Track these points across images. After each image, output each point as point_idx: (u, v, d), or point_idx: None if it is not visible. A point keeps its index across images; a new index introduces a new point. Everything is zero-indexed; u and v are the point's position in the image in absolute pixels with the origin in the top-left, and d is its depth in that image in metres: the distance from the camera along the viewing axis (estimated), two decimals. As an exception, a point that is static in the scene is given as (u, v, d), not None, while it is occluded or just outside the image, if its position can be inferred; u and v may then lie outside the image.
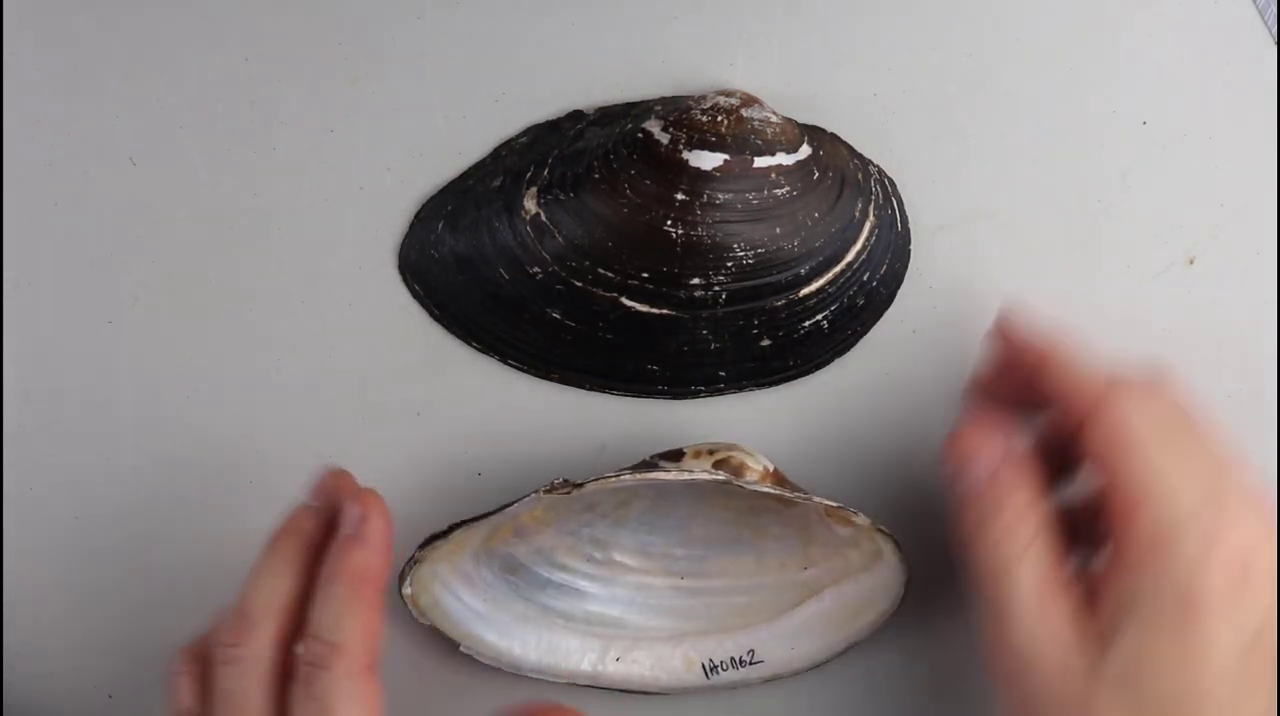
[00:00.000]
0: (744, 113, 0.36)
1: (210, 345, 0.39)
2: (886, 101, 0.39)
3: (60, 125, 0.39)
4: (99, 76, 0.39)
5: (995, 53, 0.39)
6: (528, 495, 0.34)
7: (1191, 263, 0.40)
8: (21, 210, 0.39)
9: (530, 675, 0.38)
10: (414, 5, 0.39)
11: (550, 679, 0.38)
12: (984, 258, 0.39)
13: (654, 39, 0.39)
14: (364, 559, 0.32)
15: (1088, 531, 0.32)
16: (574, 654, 0.38)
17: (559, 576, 0.39)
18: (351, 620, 0.31)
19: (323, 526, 0.33)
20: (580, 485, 0.34)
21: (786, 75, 0.39)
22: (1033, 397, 0.33)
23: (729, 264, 0.36)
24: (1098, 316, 0.39)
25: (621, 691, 0.38)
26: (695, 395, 0.39)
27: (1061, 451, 0.33)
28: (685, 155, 0.35)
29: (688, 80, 0.39)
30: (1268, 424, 0.40)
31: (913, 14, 0.39)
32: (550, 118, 0.39)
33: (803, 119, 0.39)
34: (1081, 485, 0.33)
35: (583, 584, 0.39)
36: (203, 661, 0.32)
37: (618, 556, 0.39)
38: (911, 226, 0.39)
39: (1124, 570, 0.29)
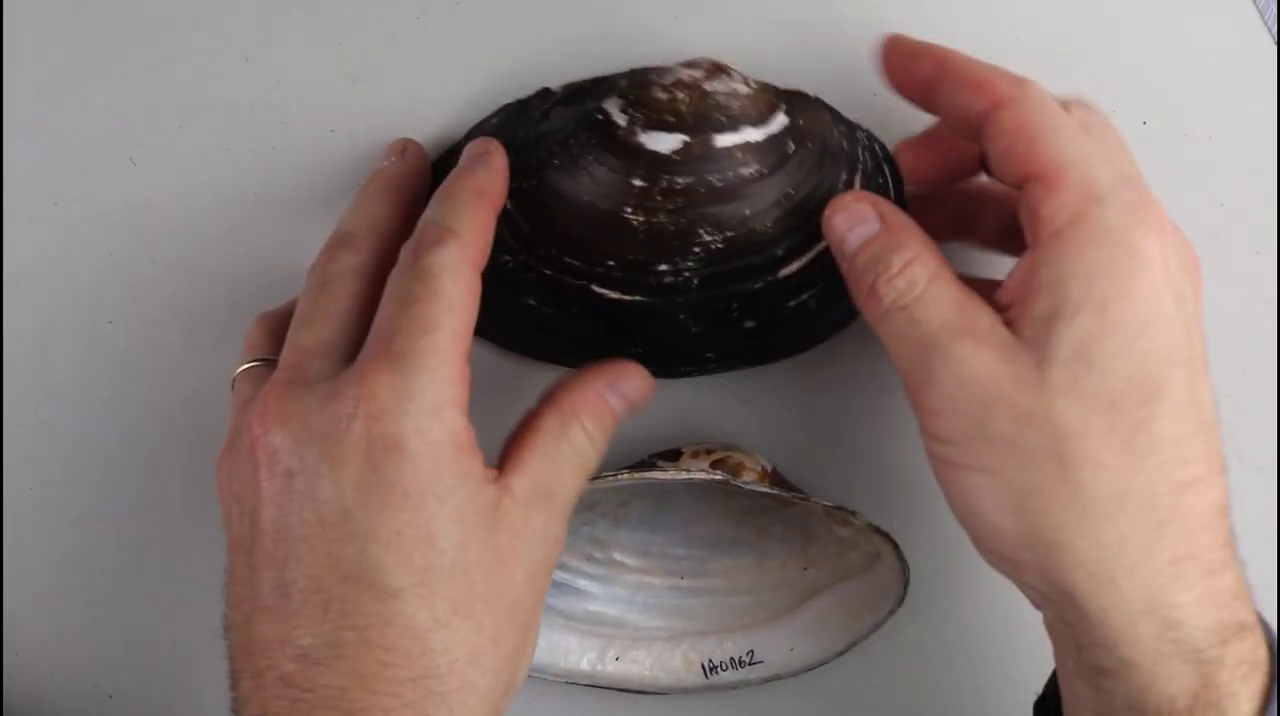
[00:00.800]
0: (707, 86, 0.33)
1: (211, 345, 0.39)
2: (886, 101, 0.39)
3: (60, 125, 0.39)
4: (99, 76, 0.39)
5: (995, 52, 0.39)
6: None
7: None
8: (21, 210, 0.39)
9: (530, 674, 0.37)
10: (414, 5, 0.39)
11: (549, 677, 0.38)
12: (982, 259, 0.38)
13: (653, 39, 0.39)
14: (487, 177, 0.31)
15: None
16: (573, 653, 0.38)
17: (558, 575, 0.39)
18: (469, 218, 0.29)
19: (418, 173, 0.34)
20: None
21: (785, 74, 0.38)
22: (930, 106, 0.32)
23: (696, 249, 0.34)
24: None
25: (620, 691, 0.38)
26: (686, 374, 0.37)
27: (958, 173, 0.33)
28: (641, 138, 0.33)
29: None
30: (1268, 424, 0.40)
31: (913, 14, 0.39)
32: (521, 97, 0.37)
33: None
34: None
35: (582, 583, 0.39)
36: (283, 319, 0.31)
37: (617, 556, 0.39)
38: (907, 196, 0.36)
39: (1049, 254, 0.27)
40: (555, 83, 0.38)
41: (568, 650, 0.38)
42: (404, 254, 0.29)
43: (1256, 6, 0.40)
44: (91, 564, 0.39)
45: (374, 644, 0.26)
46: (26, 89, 0.39)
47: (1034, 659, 0.33)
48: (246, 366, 0.32)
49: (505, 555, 0.27)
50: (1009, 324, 0.27)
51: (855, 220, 0.30)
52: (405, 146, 0.36)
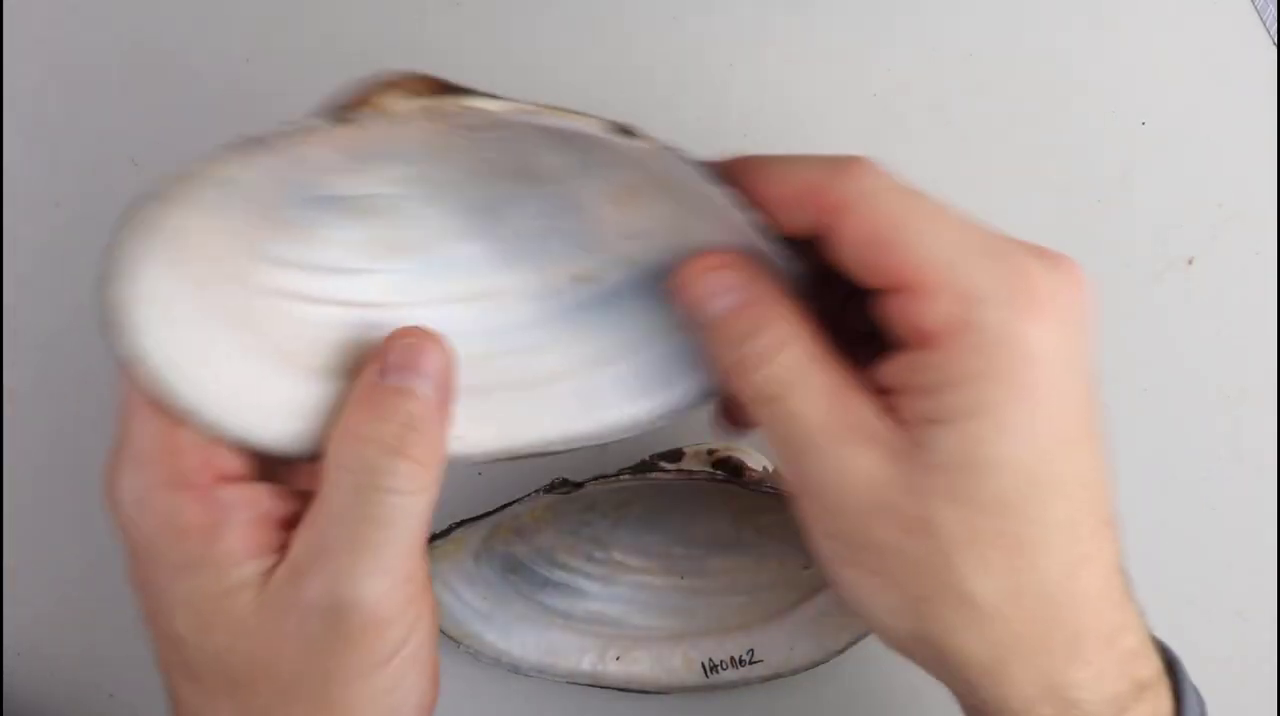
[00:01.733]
0: None
1: None
2: (886, 101, 0.40)
3: (60, 125, 0.39)
4: (99, 76, 0.39)
5: (995, 53, 0.40)
6: (527, 495, 0.35)
7: (1191, 263, 0.40)
8: (21, 210, 0.39)
9: (530, 674, 0.38)
10: (414, 6, 0.39)
11: (550, 677, 0.38)
12: None
13: (654, 39, 0.39)
14: None
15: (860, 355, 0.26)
16: (574, 653, 0.38)
17: (559, 575, 0.39)
18: None
19: None
20: (580, 484, 0.34)
21: (785, 74, 0.39)
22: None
23: None
24: (1096, 317, 0.38)
25: (621, 691, 0.38)
26: None
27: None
28: None
29: (687, 80, 0.39)
30: (1268, 424, 0.40)
31: (912, 14, 0.39)
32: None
33: (799, 122, 0.39)
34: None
35: (583, 583, 0.39)
36: None
37: (618, 555, 0.39)
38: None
39: (925, 358, 0.24)
40: (553, 81, 0.39)
41: (568, 650, 0.38)
42: None
43: (1255, 6, 0.40)
44: (91, 564, 0.39)
45: (175, 699, 0.27)
46: (27, 89, 0.39)
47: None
48: None
49: (272, 637, 0.24)
50: (890, 409, 0.25)
51: (711, 290, 0.26)
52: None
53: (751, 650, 0.38)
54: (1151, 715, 0.26)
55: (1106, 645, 0.26)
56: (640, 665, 0.38)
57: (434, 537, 0.35)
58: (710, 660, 0.38)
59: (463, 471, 0.38)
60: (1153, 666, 0.27)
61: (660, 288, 0.28)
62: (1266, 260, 0.40)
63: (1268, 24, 0.40)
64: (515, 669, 0.38)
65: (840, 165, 0.25)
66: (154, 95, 0.39)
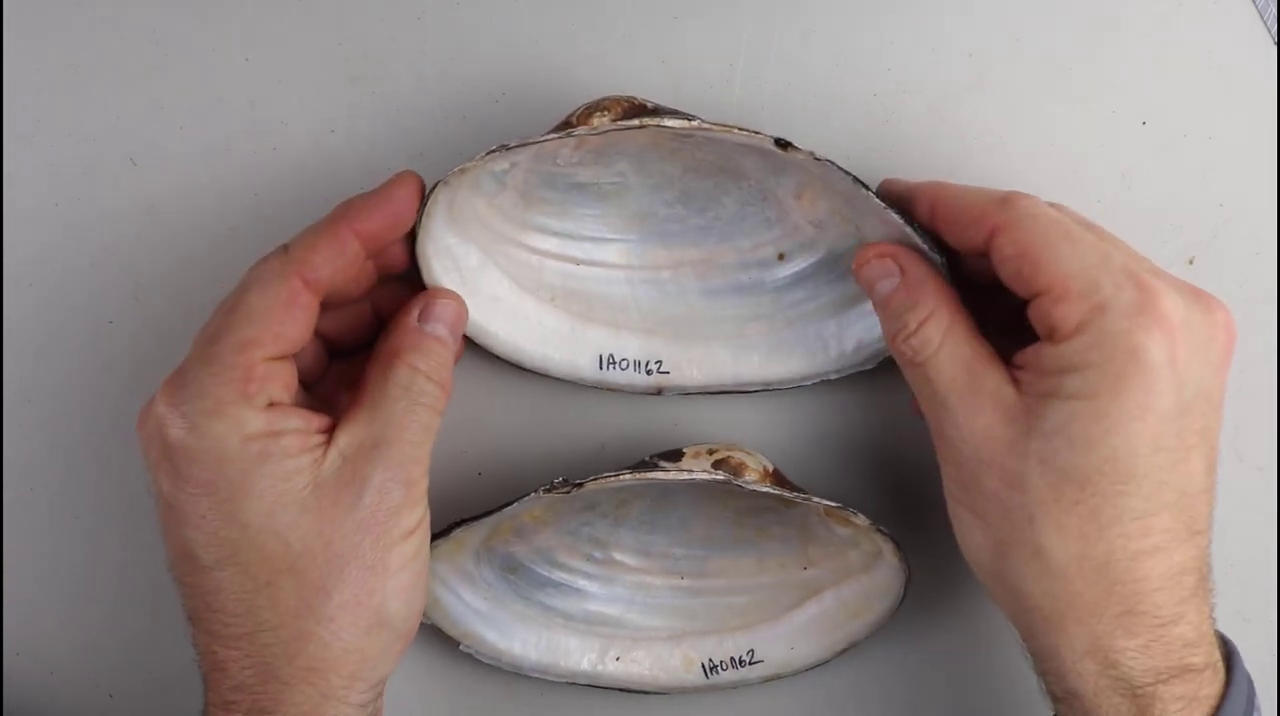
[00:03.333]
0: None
1: None
2: (886, 101, 0.39)
3: (60, 125, 0.39)
4: (99, 76, 0.39)
5: (995, 53, 0.40)
6: (527, 495, 0.35)
7: (1191, 263, 0.40)
8: (21, 210, 0.39)
9: (530, 674, 0.38)
10: (414, 6, 0.39)
11: (550, 677, 0.38)
12: None
13: (654, 39, 0.39)
14: (360, 202, 0.33)
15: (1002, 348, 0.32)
16: (573, 653, 0.38)
17: (559, 575, 0.39)
18: (309, 237, 0.32)
19: None
20: (580, 484, 0.34)
21: (785, 74, 0.39)
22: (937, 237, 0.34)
23: None
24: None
25: (621, 691, 0.38)
26: None
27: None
28: None
29: (687, 79, 0.39)
30: (1268, 424, 0.40)
31: (913, 14, 0.39)
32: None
33: (800, 122, 0.39)
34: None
35: (582, 583, 0.39)
36: None
37: (618, 556, 0.39)
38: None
39: (1053, 348, 0.29)
40: (552, 81, 0.39)
41: (568, 650, 0.38)
42: None
43: (1256, 6, 0.40)
44: (91, 564, 0.39)
45: (213, 607, 0.30)
46: (27, 89, 0.39)
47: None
48: None
49: (327, 510, 0.30)
50: (1015, 382, 0.30)
51: (879, 274, 0.33)
52: (396, 182, 0.34)
53: (751, 650, 0.38)
54: (1192, 693, 0.30)
55: (1158, 626, 0.29)
56: (640, 665, 0.38)
57: (434, 537, 0.35)
58: (710, 660, 0.38)
59: (463, 471, 0.39)
60: (1206, 657, 0.30)
61: (839, 268, 0.38)
62: (1267, 260, 0.40)
63: (1268, 24, 0.40)
64: (515, 669, 0.38)
65: (1004, 195, 0.32)
66: (154, 95, 0.39)
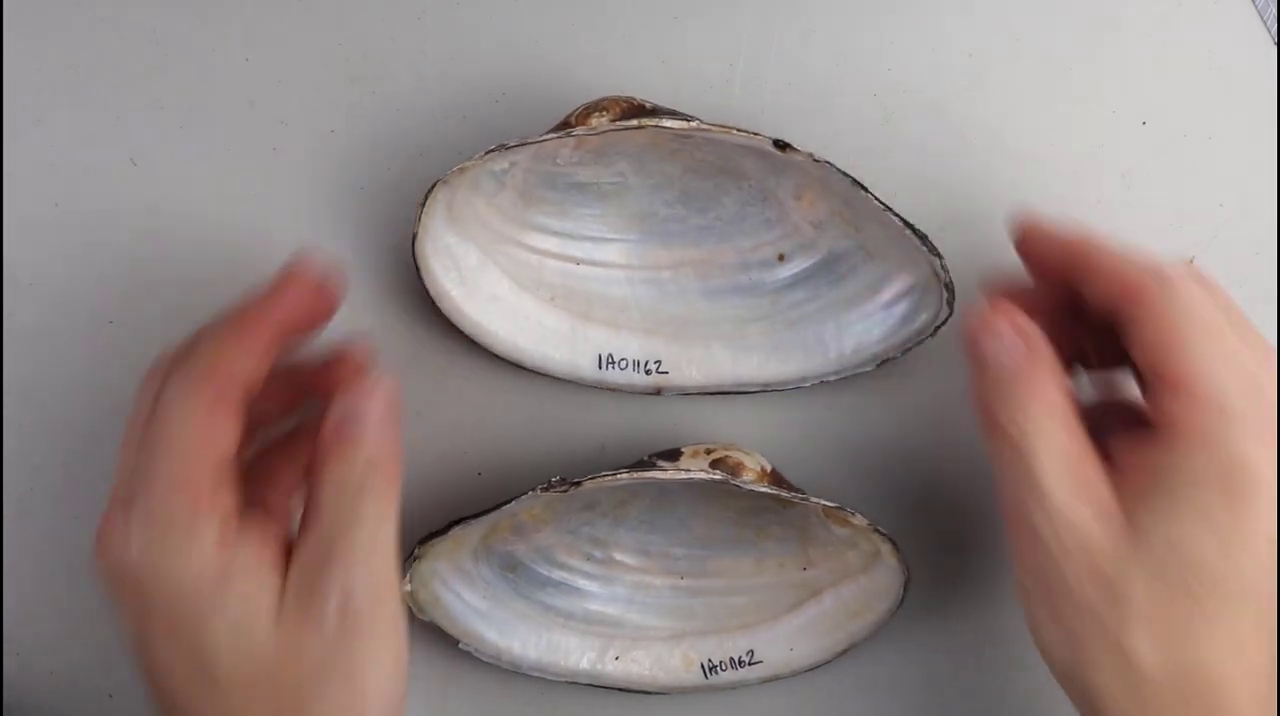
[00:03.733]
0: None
1: None
2: (886, 101, 0.39)
3: (60, 125, 0.39)
4: (99, 76, 0.39)
5: (995, 52, 0.39)
6: (526, 493, 0.34)
7: (1191, 263, 0.40)
8: (21, 210, 0.39)
9: (529, 673, 0.38)
10: (414, 6, 0.39)
11: (549, 676, 0.38)
12: (983, 258, 0.39)
13: (653, 39, 0.39)
14: (265, 300, 0.31)
15: (1112, 425, 0.31)
16: (573, 652, 0.38)
17: (558, 575, 0.38)
18: (215, 345, 0.30)
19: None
20: (578, 483, 0.34)
21: (785, 74, 0.39)
22: (1067, 291, 0.32)
23: None
24: None
25: (621, 691, 0.38)
26: None
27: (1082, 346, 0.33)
28: None
29: (687, 79, 0.39)
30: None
31: (912, 14, 0.39)
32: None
33: (800, 122, 0.39)
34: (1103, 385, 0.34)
35: (582, 582, 0.39)
36: None
37: (617, 555, 0.39)
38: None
39: (1166, 448, 0.28)
40: (553, 80, 0.39)
41: (568, 650, 0.38)
42: None
43: (1256, 7, 0.40)
44: (91, 564, 0.39)
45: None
46: (26, 89, 0.39)
47: (1034, 661, 0.33)
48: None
49: (297, 625, 0.29)
50: (1114, 480, 0.29)
51: (994, 337, 0.31)
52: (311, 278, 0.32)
53: (751, 650, 0.38)
54: None
55: None
56: (640, 665, 0.38)
57: (432, 536, 0.35)
58: (710, 660, 0.38)
59: (462, 471, 0.39)
60: None
61: (839, 269, 0.38)
62: (1267, 260, 0.40)
63: (1268, 24, 0.40)
64: (514, 667, 0.37)
65: (1158, 267, 0.30)
66: (154, 95, 0.39)
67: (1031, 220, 0.33)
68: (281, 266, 0.32)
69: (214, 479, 0.29)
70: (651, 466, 0.35)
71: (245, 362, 0.30)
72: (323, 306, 0.32)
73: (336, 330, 0.38)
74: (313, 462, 0.31)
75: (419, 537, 0.35)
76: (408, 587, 0.36)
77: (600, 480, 0.34)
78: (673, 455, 0.36)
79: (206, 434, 0.29)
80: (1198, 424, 0.28)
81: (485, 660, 0.37)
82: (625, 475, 0.34)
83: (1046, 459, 0.29)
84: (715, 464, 0.35)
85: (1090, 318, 0.32)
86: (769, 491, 0.35)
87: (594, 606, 0.38)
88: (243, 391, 0.30)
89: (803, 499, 0.35)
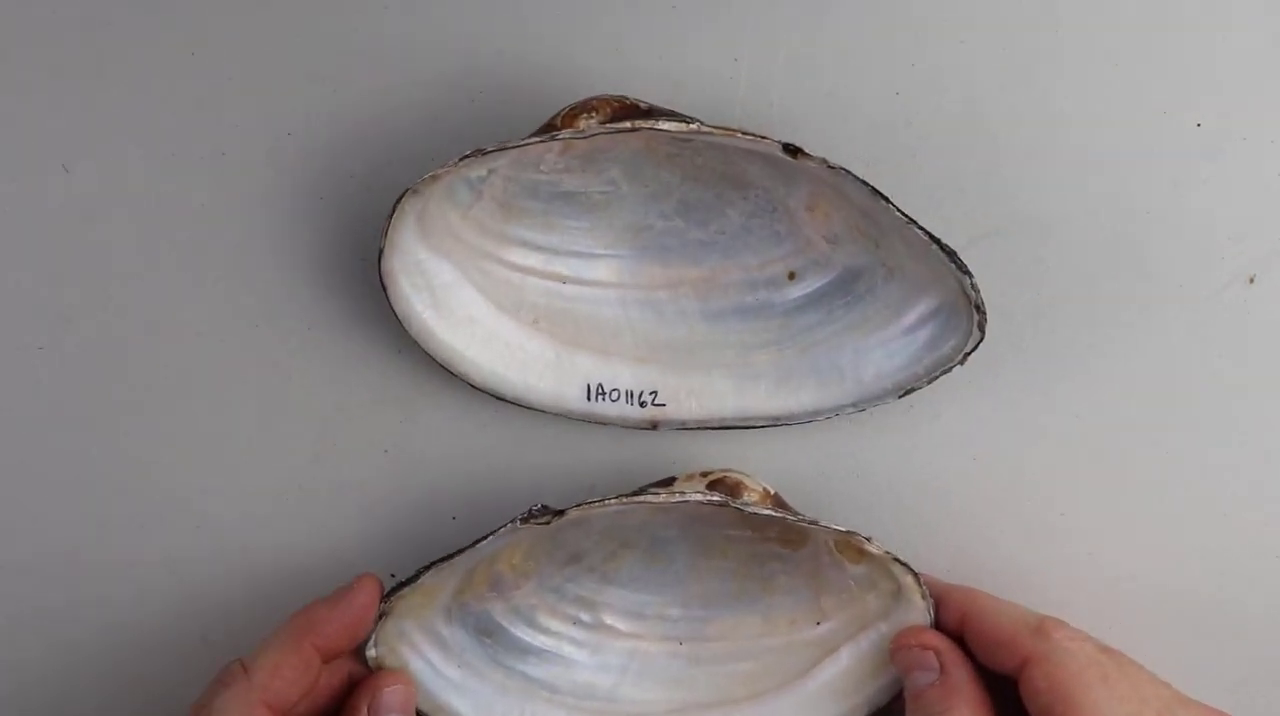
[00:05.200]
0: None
1: (152, 373, 0.38)
2: (909, 100, 0.38)
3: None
4: (26, 73, 0.39)
5: (1031, 47, 0.38)
6: (502, 526, 0.34)
7: (1252, 281, 0.38)
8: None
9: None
10: (414, 6, 0.38)
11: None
12: (1019, 274, 0.38)
13: (648, 32, 0.39)
14: (320, 612, 0.34)
15: None
16: (559, 731, 0.35)
17: (541, 641, 0.37)
18: (271, 655, 0.33)
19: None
20: (561, 512, 0.33)
21: (795, 70, 0.38)
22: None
23: None
24: (1147, 341, 0.38)
25: (613, 771, 0.37)
26: None
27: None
28: None
29: (686, 76, 0.38)
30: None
31: (938, 3, 0.38)
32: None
33: (812, 124, 0.38)
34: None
35: (569, 650, 0.37)
36: None
37: (608, 618, 0.38)
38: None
39: None
40: (544, 79, 0.38)
41: (553, 728, 0.37)
42: None
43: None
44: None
45: None
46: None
47: None
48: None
49: None
50: None
51: (918, 665, 0.34)
52: (356, 588, 0.35)
53: (763, 724, 0.37)
54: None
55: None
56: (636, 746, 0.37)
57: (400, 586, 0.34)
58: (714, 737, 0.37)
59: (435, 516, 0.38)
60: None
61: (857, 289, 0.37)
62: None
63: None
64: (492, 748, 0.37)
65: (1039, 623, 0.33)
66: (89, 94, 0.38)
67: (925, 579, 0.36)
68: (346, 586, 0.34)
69: None
70: (643, 493, 0.34)
71: (300, 683, 0.33)
72: (367, 622, 0.35)
73: (290, 373, 0.39)
74: None
75: (385, 590, 0.35)
76: (372, 652, 0.35)
77: (586, 508, 0.33)
78: (666, 483, 0.35)
79: None
80: None
81: (460, 739, 0.37)
82: (614, 503, 0.34)
83: None
84: (713, 485, 0.35)
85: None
86: (773, 514, 0.34)
87: (582, 677, 0.37)
88: (287, 707, 0.33)
89: (810, 523, 0.34)
